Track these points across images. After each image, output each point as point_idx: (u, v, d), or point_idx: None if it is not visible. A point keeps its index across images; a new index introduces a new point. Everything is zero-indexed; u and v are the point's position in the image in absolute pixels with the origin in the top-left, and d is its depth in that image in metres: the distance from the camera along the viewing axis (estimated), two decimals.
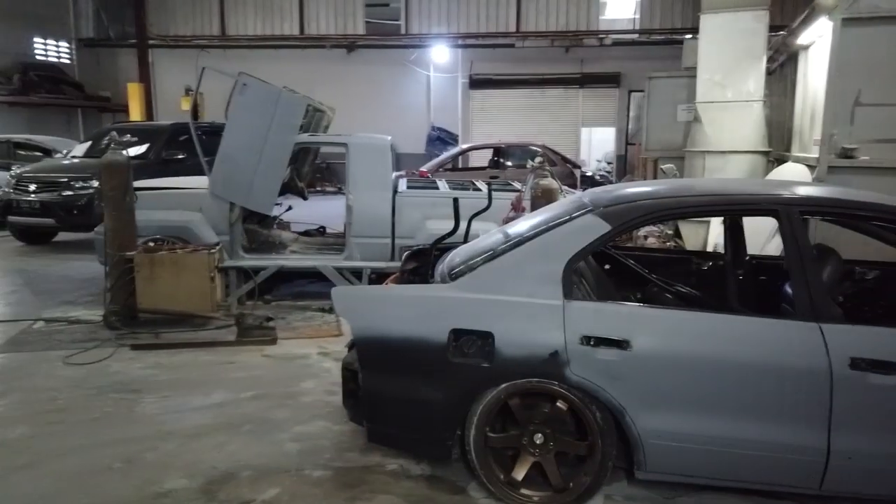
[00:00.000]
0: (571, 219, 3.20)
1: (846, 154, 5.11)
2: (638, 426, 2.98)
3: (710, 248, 6.99)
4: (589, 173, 17.41)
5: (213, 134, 7.61)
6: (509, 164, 14.64)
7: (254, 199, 6.62)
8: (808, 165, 6.08)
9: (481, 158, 16.47)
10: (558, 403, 3.08)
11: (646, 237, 8.38)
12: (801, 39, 6.88)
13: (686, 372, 2.93)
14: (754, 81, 7.58)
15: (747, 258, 4.39)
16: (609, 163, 21.13)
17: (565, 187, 7.78)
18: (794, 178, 6.08)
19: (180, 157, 10.21)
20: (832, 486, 2.93)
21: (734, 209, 3.69)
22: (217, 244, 6.40)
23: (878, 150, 5.09)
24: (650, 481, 3.18)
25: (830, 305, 3.00)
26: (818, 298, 2.93)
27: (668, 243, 8.08)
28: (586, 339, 2.96)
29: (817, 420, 2.85)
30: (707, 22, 7.73)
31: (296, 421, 4.12)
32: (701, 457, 2.99)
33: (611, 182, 16.12)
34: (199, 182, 7.00)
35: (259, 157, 6.47)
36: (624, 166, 19.95)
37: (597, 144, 22.40)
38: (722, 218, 5.20)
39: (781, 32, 8.21)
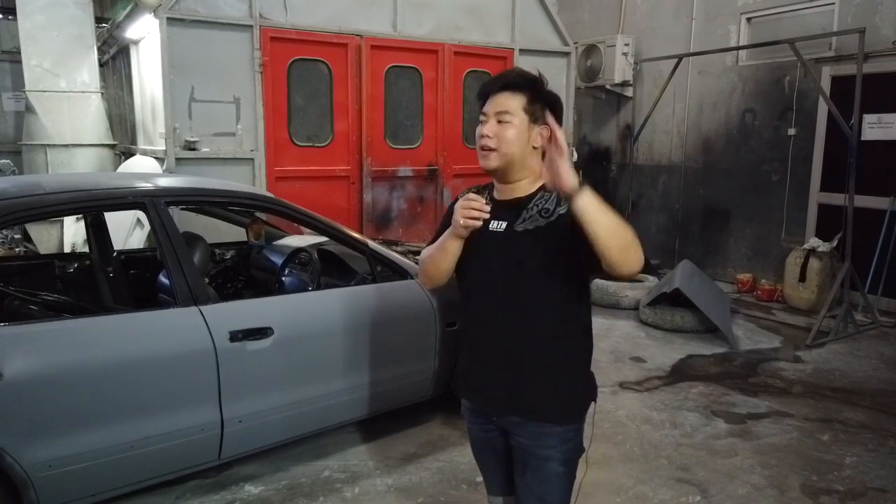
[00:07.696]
0: None
1: (190, 146, 5.47)
2: (24, 464, 2.57)
3: (68, 249, 6.51)
4: None
5: None
6: None
7: None
8: (156, 157, 6.25)
9: None
10: None
11: None
12: (130, 34, 6.93)
13: (73, 387, 2.67)
14: (88, 72, 7.32)
15: (115, 254, 4.29)
16: None
17: None
18: (145, 170, 6.17)
19: None
20: (229, 451, 3.17)
21: (99, 205, 3.45)
22: None
23: (216, 142, 5.62)
24: None
25: (205, 288, 3.19)
26: (194, 283, 3.07)
27: (17, 249, 7.15)
28: None
29: (209, 396, 3.00)
30: (26, 4, 7.02)
31: None
32: (105, 470, 2.79)
33: None
34: None
35: None
36: None
37: None
38: (81, 216, 4.93)
39: (105, 25, 8.12)
